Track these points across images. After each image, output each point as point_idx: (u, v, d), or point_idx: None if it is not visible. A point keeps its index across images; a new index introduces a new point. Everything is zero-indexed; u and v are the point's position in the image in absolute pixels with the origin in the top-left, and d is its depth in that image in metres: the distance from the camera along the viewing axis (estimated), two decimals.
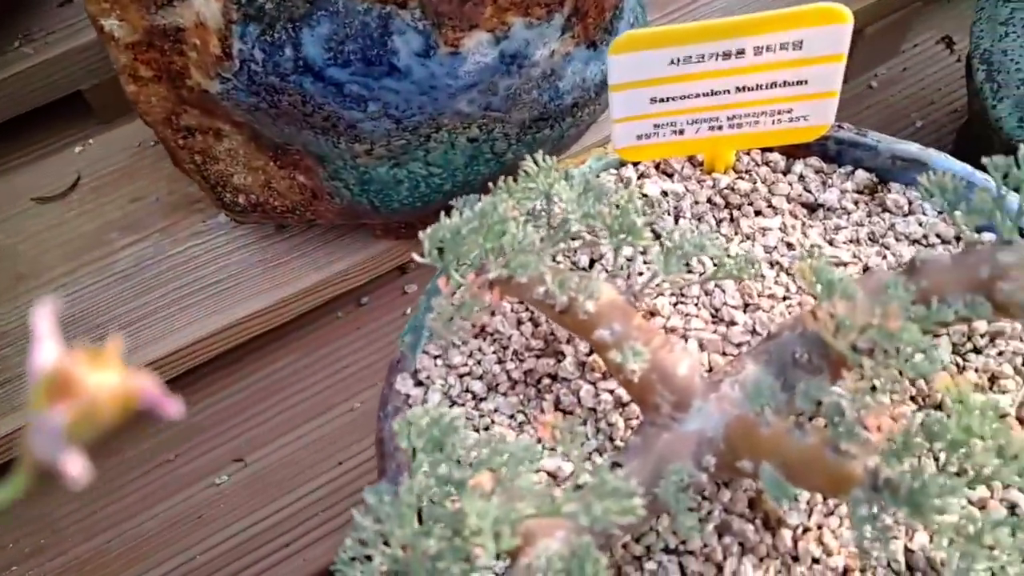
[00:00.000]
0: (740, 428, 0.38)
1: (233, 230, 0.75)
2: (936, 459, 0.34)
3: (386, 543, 0.33)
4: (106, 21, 0.55)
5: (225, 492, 0.77)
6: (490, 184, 0.43)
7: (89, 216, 0.76)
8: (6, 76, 0.84)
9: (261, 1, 0.52)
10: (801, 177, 0.54)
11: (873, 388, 0.33)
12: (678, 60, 0.47)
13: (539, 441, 0.44)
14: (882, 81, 1.00)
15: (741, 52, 0.47)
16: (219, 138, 0.63)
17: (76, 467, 0.16)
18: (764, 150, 0.55)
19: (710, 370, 0.47)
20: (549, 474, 0.45)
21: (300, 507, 0.76)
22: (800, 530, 0.43)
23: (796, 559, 0.42)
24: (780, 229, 0.52)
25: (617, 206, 0.41)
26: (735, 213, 0.53)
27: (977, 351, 0.48)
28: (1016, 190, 0.39)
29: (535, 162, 0.41)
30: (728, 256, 0.40)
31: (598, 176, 0.54)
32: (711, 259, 0.44)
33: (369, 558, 0.33)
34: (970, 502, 0.44)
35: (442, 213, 0.42)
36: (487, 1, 0.51)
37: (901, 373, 0.40)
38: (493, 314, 0.50)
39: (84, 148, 0.81)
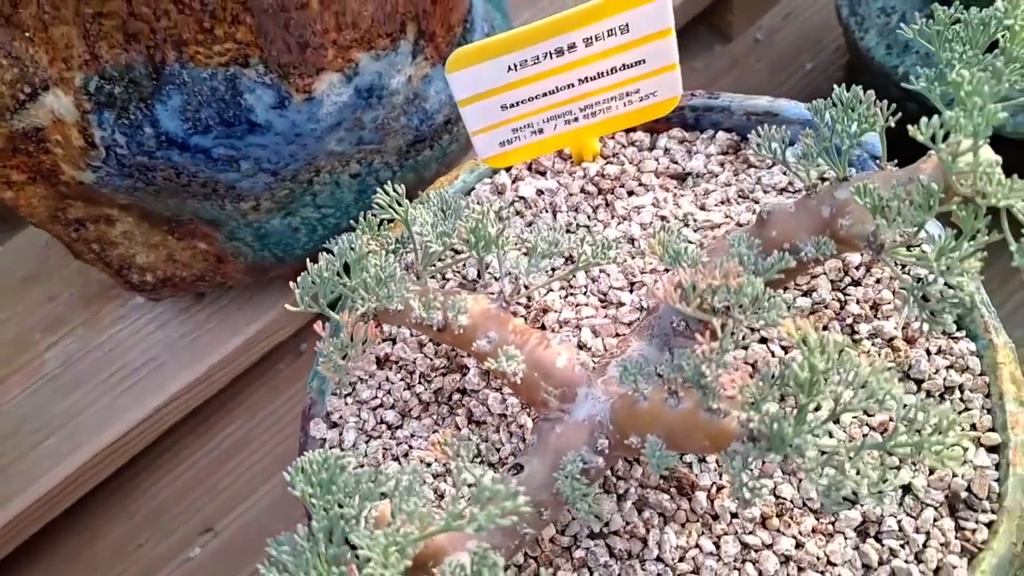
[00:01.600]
0: (624, 407, 0.39)
1: (152, 308, 0.75)
2: (801, 402, 0.35)
3: None
4: None
5: (200, 564, 0.77)
6: (352, 222, 0.44)
7: (9, 324, 0.77)
8: None
9: (108, 87, 0.53)
10: (666, 150, 0.56)
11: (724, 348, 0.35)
12: (515, 66, 0.48)
13: (432, 463, 0.45)
14: (767, 32, 1.02)
15: (573, 46, 0.48)
16: (110, 223, 0.64)
17: None
18: (628, 131, 0.56)
19: (605, 354, 0.48)
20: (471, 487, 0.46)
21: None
22: (714, 489, 0.44)
23: (715, 517, 0.44)
24: (653, 204, 0.53)
25: (475, 222, 0.42)
26: (609, 197, 0.54)
27: (856, 283, 0.49)
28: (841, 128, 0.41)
29: (386, 192, 0.42)
30: (587, 244, 0.42)
31: (471, 190, 0.55)
32: (576, 249, 0.45)
33: None
34: (871, 428, 0.45)
35: (308, 260, 0.43)
36: (326, 44, 0.52)
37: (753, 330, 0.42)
38: (393, 342, 0.51)
39: None
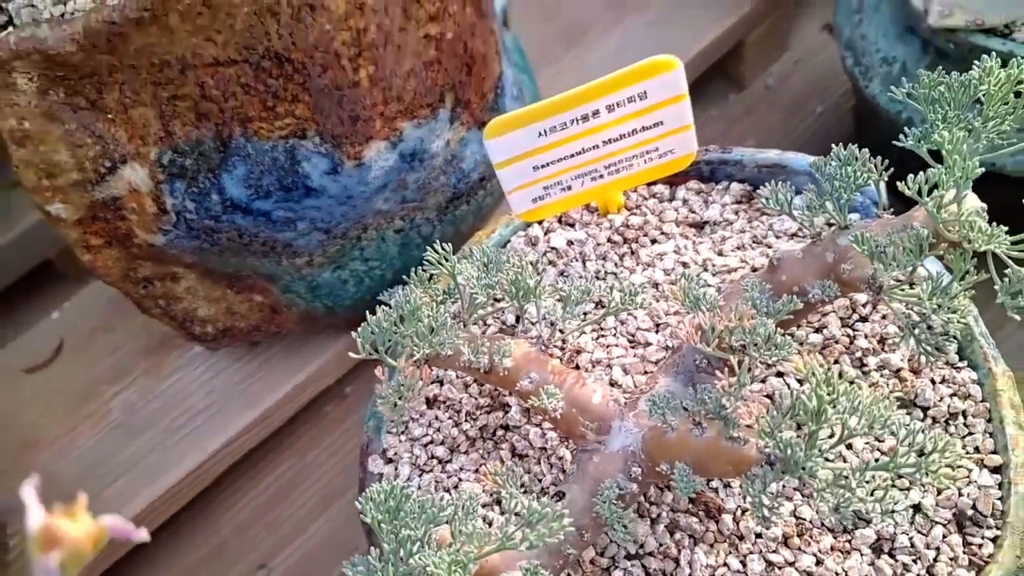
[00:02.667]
0: (654, 437, 0.44)
1: (209, 357, 0.81)
2: (810, 429, 0.39)
3: None
4: (51, 207, 0.62)
5: None
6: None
7: (76, 376, 0.83)
8: None
9: (180, 160, 0.59)
10: (685, 201, 0.61)
11: (741, 382, 0.39)
12: (545, 131, 0.54)
13: (480, 494, 0.50)
14: (778, 79, 1.08)
15: (596, 113, 0.54)
16: (176, 280, 0.70)
17: None
18: (649, 185, 0.62)
19: (635, 390, 0.52)
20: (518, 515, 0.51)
21: None
22: (739, 512, 0.49)
23: (741, 538, 0.48)
24: (674, 251, 0.58)
25: (515, 275, 0.47)
26: (633, 246, 0.59)
27: (863, 319, 0.54)
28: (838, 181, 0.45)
29: (435, 251, 0.48)
30: (616, 291, 0.47)
31: (507, 243, 0.60)
32: (605, 296, 0.50)
33: None
34: (882, 452, 0.49)
35: (367, 312, 0.48)
36: (375, 116, 0.58)
37: (769, 365, 0.46)
38: (441, 384, 0.56)
39: (61, 312, 0.88)
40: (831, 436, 0.39)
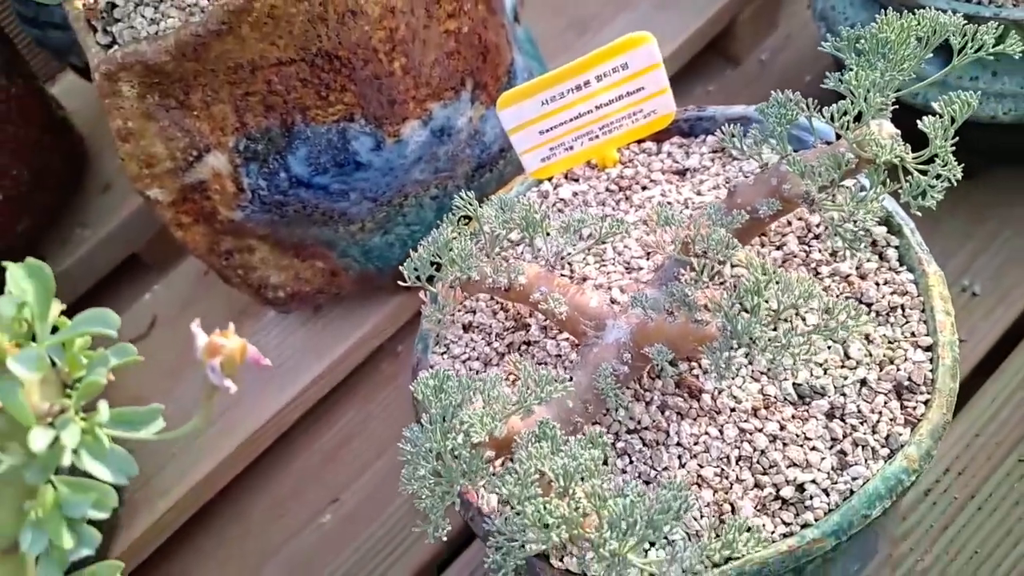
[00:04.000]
0: (639, 328, 0.56)
1: (281, 321, 0.95)
2: (752, 308, 0.51)
3: (423, 459, 0.51)
4: (149, 191, 0.76)
5: (331, 527, 0.95)
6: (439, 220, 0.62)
7: (170, 345, 0.97)
8: (75, 258, 1.06)
9: (253, 146, 0.72)
10: (669, 154, 0.72)
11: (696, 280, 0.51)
12: (547, 100, 0.66)
13: (508, 377, 0.62)
14: (771, 53, 1.18)
15: (588, 83, 0.66)
16: (251, 252, 0.84)
17: (229, 384, 0.35)
18: (639, 142, 0.73)
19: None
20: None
21: (392, 523, 0.94)
22: (716, 392, 0.60)
23: (718, 412, 0.59)
24: (661, 195, 0.70)
25: (525, 212, 0.60)
26: (628, 192, 0.71)
27: (816, 237, 0.65)
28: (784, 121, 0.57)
29: (462, 198, 0.60)
30: (603, 222, 0.59)
31: (524, 195, 0.72)
32: (597, 227, 0.62)
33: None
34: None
35: (411, 251, 0.61)
36: (408, 99, 0.71)
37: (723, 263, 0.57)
38: (474, 312, 0.69)
39: (152, 294, 1.02)
40: (773, 312, 0.51)
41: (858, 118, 0.54)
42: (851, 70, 0.54)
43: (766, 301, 0.50)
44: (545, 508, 0.46)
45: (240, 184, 0.74)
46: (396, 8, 0.65)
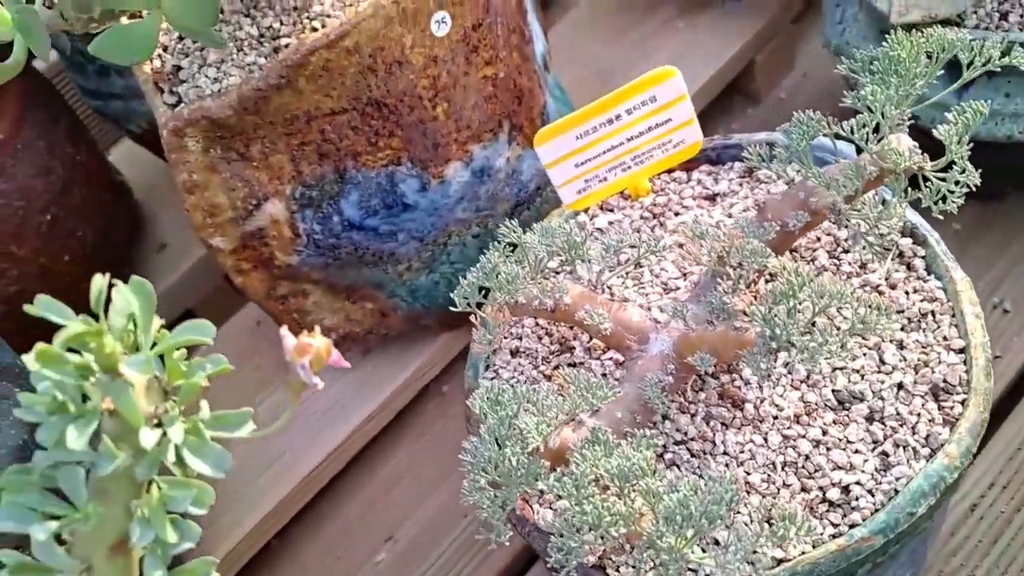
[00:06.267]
0: (681, 339, 0.59)
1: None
2: (789, 311, 0.54)
3: (483, 470, 0.54)
4: (212, 240, 0.80)
5: (387, 566, 0.97)
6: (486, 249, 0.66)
7: (229, 390, 1.01)
8: None
9: (308, 192, 0.77)
10: (699, 181, 0.76)
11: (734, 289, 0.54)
12: (581, 135, 0.71)
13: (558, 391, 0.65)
14: (789, 91, 1.23)
15: (618, 116, 0.70)
16: (306, 296, 0.88)
17: (317, 381, 0.38)
18: (669, 171, 0.77)
19: None
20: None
21: (447, 557, 0.96)
22: (758, 401, 0.63)
23: (761, 420, 0.62)
24: (694, 219, 0.73)
25: (566, 237, 0.63)
26: (661, 219, 0.75)
27: (846, 251, 0.68)
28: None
29: (507, 226, 0.64)
30: (641, 242, 0.62)
31: (563, 224, 0.76)
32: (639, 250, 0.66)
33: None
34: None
35: (460, 277, 0.65)
36: (451, 142, 0.76)
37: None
38: (520, 339, 0.72)
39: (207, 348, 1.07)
40: (808, 316, 0.54)
41: (876, 132, 0.58)
42: (867, 87, 0.58)
43: (801, 303, 0.53)
44: (603, 506, 0.49)
45: (296, 229, 0.79)
46: (438, 57, 0.70)
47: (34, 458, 0.39)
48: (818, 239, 0.69)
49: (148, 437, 0.37)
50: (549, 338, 0.72)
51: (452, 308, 0.63)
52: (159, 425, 0.39)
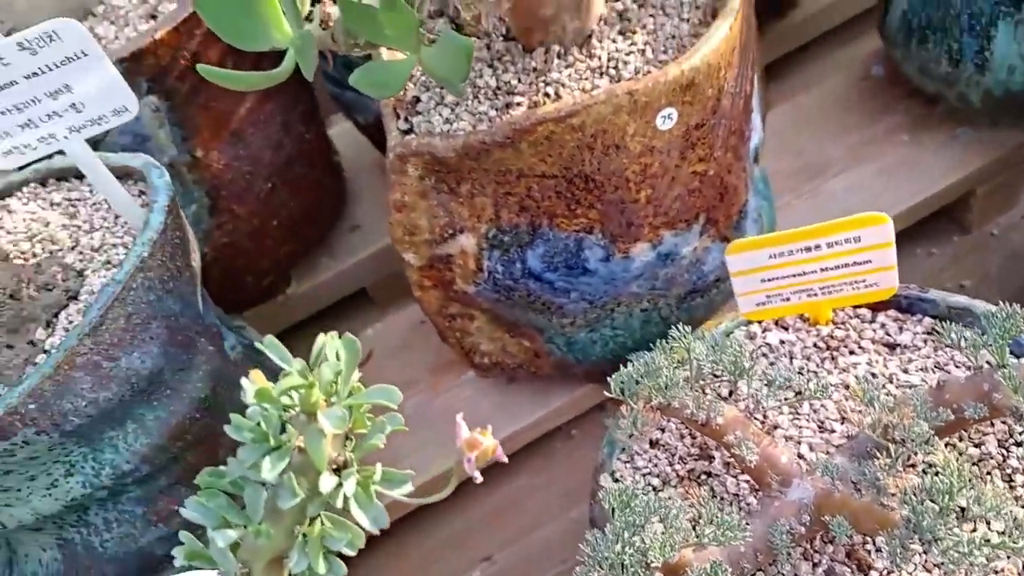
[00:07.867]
0: (823, 495, 0.59)
1: (478, 382, 1.04)
2: (942, 509, 0.53)
3: (598, 564, 0.57)
4: (406, 254, 0.86)
5: None
6: (656, 342, 0.68)
7: (379, 380, 1.08)
8: (315, 283, 1.21)
9: (500, 236, 0.81)
10: (883, 325, 0.75)
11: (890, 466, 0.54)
12: (775, 255, 0.71)
13: (685, 500, 0.67)
14: (1003, 229, 1.16)
15: (818, 247, 0.70)
16: (471, 320, 0.93)
17: (477, 475, 0.42)
18: (855, 307, 0.76)
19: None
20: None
21: None
22: (885, 572, 0.62)
23: None
24: (867, 364, 0.72)
25: (735, 357, 0.64)
26: (834, 354, 0.74)
27: (1018, 444, 0.65)
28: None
29: (678, 331, 0.66)
30: (810, 384, 0.62)
31: (731, 333, 0.77)
32: (804, 386, 0.66)
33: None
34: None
35: (621, 365, 0.67)
36: (645, 224, 0.78)
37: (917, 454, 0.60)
38: (663, 431, 0.74)
39: (374, 330, 1.15)
40: (958, 515, 0.53)
41: None
42: None
43: (958, 505, 0.52)
44: None
45: (481, 265, 0.84)
46: (655, 148, 0.73)
47: (227, 465, 0.45)
48: (992, 423, 0.66)
49: (327, 483, 0.42)
50: (691, 439, 0.73)
51: (604, 364, 0.65)
52: (337, 471, 0.44)
